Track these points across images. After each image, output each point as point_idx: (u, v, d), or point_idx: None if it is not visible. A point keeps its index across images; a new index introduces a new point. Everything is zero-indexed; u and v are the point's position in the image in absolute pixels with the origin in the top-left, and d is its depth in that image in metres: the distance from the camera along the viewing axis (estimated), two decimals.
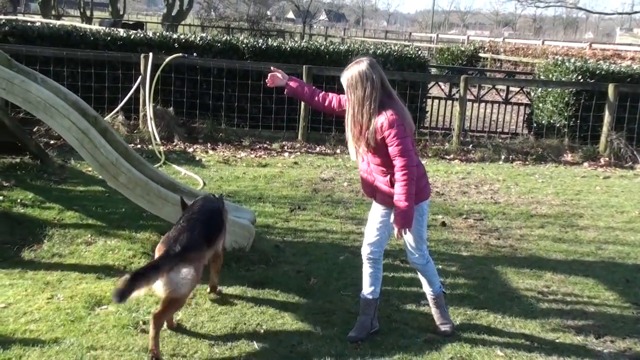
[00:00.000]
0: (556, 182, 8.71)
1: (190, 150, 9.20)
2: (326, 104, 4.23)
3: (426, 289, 4.22)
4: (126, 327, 3.95)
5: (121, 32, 10.61)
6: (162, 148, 8.77)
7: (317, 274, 4.99)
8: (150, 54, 9.49)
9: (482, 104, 11.92)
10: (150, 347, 3.61)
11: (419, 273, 4.23)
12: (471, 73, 15.45)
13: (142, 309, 4.20)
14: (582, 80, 10.62)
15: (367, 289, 4.12)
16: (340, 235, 5.98)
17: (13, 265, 4.78)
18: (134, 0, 57.46)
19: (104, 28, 11.79)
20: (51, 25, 11.63)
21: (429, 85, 11.59)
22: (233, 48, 10.47)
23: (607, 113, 10.24)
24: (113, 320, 4.03)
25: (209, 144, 9.53)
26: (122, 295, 3.35)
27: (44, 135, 8.71)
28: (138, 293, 3.46)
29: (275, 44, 10.73)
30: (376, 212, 4.06)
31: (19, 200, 6.06)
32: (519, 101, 12.59)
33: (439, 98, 11.76)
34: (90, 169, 7.09)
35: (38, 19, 19.31)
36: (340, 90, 4.07)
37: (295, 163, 8.89)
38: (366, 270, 4.12)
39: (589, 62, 11.71)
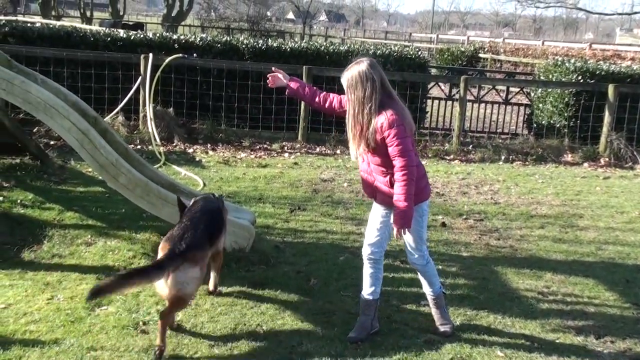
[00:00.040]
0: (556, 182, 8.71)
1: (190, 150, 9.20)
2: (327, 104, 4.24)
3: (426, 289, 4.22)
4: (126, 328, 3.95)
5: (121, 32, 10.61)
6: (162, 149, 8.77)
7: (317, 275, 4.99)
8: (150, 55, 9.49)
9: (482, 105, 11.92)
10: (157, 343, 3.64)
11: (419, 274, 4.23)
12: (471, 73, 15.45)
13: (142, 310, 4.20)
14: (582, 81, 10.62)
15: (367, 290, 4.12)
16: (341, 235, 5.98)
17: (13, 265, 4.78)
18: (134, 1, 57.46)
19: (104, 29, 11.79)
20: (51, 25, 11.63)
21: (429, 86, 11.59)
22: (233, 49, 10.47)
23: (607, 113, 10.24)
24: (113, 321, 4.03)
25: (209, 145, 9.53)
26: (98, 293, 3.45)
27: (44, 136, 8.71)
28: (135, 289, 3.51)
29: (275, 44, 10.74)
30: (377, 213, 4.06)
31: (19, 201, 6.06)
32: (519, 102, 12.59)
33: (439, 98, 11.76)
34: (90, 169, 7.09)
35: (38, 20, 19.32)
36: (340, 91, 4.07)
37: (295, 163, 8.89)
38: (367, 270, 4.12)
39: (589, 62, 11.71)
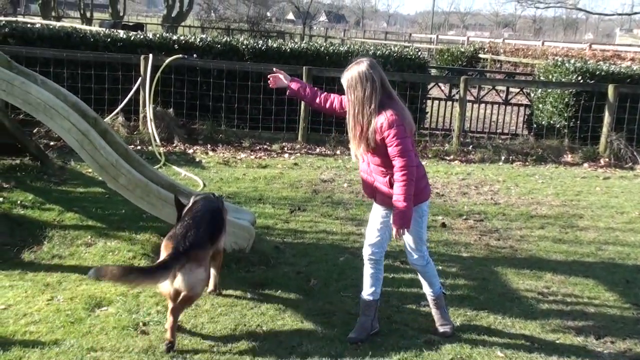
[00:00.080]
0: (556, 182, 8.71)
1: (190, 151, 9.20)
2: (327, 105, 4.24)
3: (426, 290, 4.22)
4: (126, 329, 3.95)
5: (121, 33, 10.61)
6: (162, 149, 8.77)
7: (317, 275, 4.99)
8: (150, 56, 9.49)
9: (482, 105, 11.92)
10: (167, 337, 3.74)
11: (418, 274, 4.23)
12: (471, 74, 15.45)
13: (142, 311, 4.20)
14: (582, 81, 10.63)
15: (367, 290, 4.12)
16: (341, 236, 5.97)
17: (13, 266, 4.78)
18: (134, 2, 57.43)
19: (104, 29, 11.78)
20: (51, 26, 11.63)
21: (429, 86, 11.59)
22: (233, 49, 10.47)
23: (607, 114, 10.24)
24: (113, 321, 4.03)
25: (209, 145, 9.53)
26: (101, 274, 3.49)
27: (44, 137, 8.71)
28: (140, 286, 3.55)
29: (275, 45, 10.74)
30: (377, 213, 4.07)
31: (19, 202, 6.06)
32: (519, 102, 12.59)
33: (439, 99, 11.76)
34: (90, 170, 7.09)
35: (38, 21, 19.31)
36: (340, 91, 4.07)
37: (295, 164, 8.89)
38: (367, 271, 4.12)
39: (588, 62, 11.71)
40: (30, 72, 6.07)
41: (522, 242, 6.11)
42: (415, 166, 3.80)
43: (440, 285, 4.24)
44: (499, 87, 12.09)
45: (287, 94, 4.36)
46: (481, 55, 22.41)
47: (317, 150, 9.84)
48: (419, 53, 11.48)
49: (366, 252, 4.10)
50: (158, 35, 10.69)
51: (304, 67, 9.70)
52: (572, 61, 11.45)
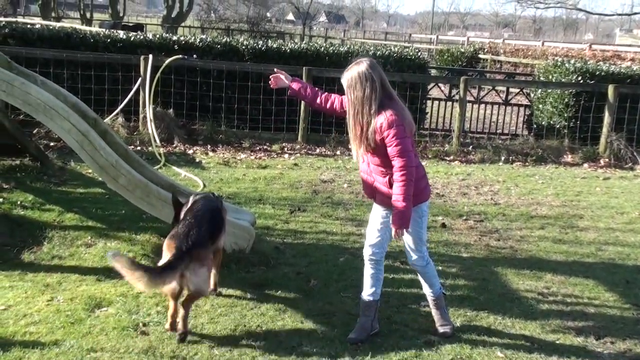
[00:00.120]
0: (556, 183, 8.71)
1: (190, 152, 9.20)
2: (328, 105, 4.24)
3: (426, 290, 4.22)
4: (126, 329, 3.95)
5: (121, 34, 10.62)
6: (162, 150, 8.78)
7: (317, 276, 4.99)
8: (150, 56, 9.49)
9: (482, 105, 11.92)
10: (180, 329, 3.86)
11: (418, 275, 4.23)
12: (471, 74, 15.46)
13: (142, 311, 4.20)
14: (582, 82, 10.63)
15: (367, 290, 4.12)
16: (341, 236, 5.97)
17: (13, 267, 4.78)
18: (134, 2, 57.41)
19: (103, 30, 11.78)
20: (51, 27, 11.64)
21: (429, 87, 11.58)
22: (233, 50, 10.47)
23: (607, 114, 10.24)
24: (113, 322, 4.03)
25: (208, 146, 9.53)
26: (116, 258, 3.55)
27: (43, 137, 8.72)
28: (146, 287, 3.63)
29: (275, 45, 10.74)
30: (377, 214, 4.07)
31: (18, 202, 6.06)
32: (519, 102, 12.59)
33: (439, 99, 11.76)
34: (90, 171, 7.09)
35: (38, 21, 19.32)
36: (340, 91, 4.08)
37: (295, 164, 8.89)
38: (367, 271, 4.12)
39: (588, 63, 11.71)
40: (30, 73, 6.07)
41: (522, 243, 6.11)
42: (415, 166, 3.80)
43: (440, 285, 4.24)
44: (499, 88, 12.09)
45: (288, 93, 4.37)
46: (481, 56, 22.41)
47: (317, 150, 9.84)
48: (419, 53, 11.48)
49: (367, 252, 4.10)
50: (158, 36, 10.69)
51: (303, 68, 9.71)
52: (572, 61, 11.45)
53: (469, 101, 11.20)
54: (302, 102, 9.59)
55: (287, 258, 5.32)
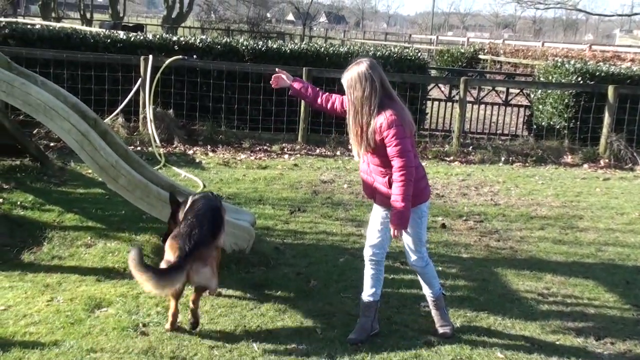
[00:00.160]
0: (556, 183, 8.71)
1: (190, 152, 9.20)
2: (329, 105, 4.24)
3: (426, 291, 4.22)
4: (126, 330, 3.95)
5: (121, 34, 10.62)
6: (162, 150, 8.78)
7: (317, 276, 4.99)
8: (150, 56, 9.49)
9: (482, 106, 11.92)
10: (191, 319, 3.97)
11: (418, 275, 4.23)
12: (471, 75, 15.46)
13: (141, 312, 4.20)
14: (581, 82, 10.63)
15: (367, 291, 4.12)
16: (340, 237, 5.97)
17: (13, 267, 4.78)
18: (134, 3, 57.41)
19: (104, 30, 11.78)
20: (51, 27, 11.64)
21: (429, 87, 11.58)
22: (233, 50, 10.47)
23: (606, 115, 10.24)
24: (113, 322, 4.03)
25: (208, 146, 9.53)
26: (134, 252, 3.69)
27: (44, 138, 8.71)
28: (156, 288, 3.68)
29: (275, 46, 10.74)
30: (377, 214, 4.06)
31: (18, 203, 6.06)
32: (519, 103, 12.59)
33: (439, 100, 11.76)
34: (90, 171, 7.09)
35: (38, 22, 19.30)
36: (340, 92, 4.09)
37: (295, 165, 8.89)
38: (368, 272, 4.12)
39: (588, 63, 11.71)
40: (30, 73, 6.07)
41: (522, 243, 6.11)
42: (414, 167, 3.80)
43: (440, 286, 4.24)
44: (499, 88, 12.10)
45: (290, 93, 4.38)
46: (481, 56, 22.41)
47: (317, 151, 9.84)
48: (419, 54, 11.48)
49: (367, 253, 4.10)
50: (158, 36, 10.69)
51: (304, 68, 9.70)
52: (572, 62, 11.45)
53: (469, 102, 11.20)
54: (302, 103, 9.59)
55: (287, 258, 5.32)
